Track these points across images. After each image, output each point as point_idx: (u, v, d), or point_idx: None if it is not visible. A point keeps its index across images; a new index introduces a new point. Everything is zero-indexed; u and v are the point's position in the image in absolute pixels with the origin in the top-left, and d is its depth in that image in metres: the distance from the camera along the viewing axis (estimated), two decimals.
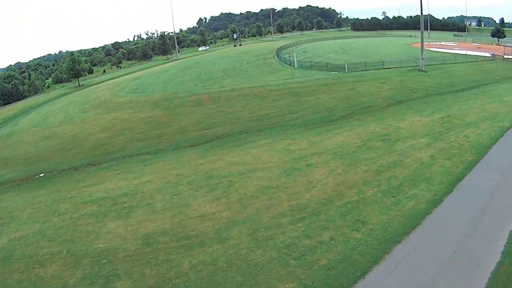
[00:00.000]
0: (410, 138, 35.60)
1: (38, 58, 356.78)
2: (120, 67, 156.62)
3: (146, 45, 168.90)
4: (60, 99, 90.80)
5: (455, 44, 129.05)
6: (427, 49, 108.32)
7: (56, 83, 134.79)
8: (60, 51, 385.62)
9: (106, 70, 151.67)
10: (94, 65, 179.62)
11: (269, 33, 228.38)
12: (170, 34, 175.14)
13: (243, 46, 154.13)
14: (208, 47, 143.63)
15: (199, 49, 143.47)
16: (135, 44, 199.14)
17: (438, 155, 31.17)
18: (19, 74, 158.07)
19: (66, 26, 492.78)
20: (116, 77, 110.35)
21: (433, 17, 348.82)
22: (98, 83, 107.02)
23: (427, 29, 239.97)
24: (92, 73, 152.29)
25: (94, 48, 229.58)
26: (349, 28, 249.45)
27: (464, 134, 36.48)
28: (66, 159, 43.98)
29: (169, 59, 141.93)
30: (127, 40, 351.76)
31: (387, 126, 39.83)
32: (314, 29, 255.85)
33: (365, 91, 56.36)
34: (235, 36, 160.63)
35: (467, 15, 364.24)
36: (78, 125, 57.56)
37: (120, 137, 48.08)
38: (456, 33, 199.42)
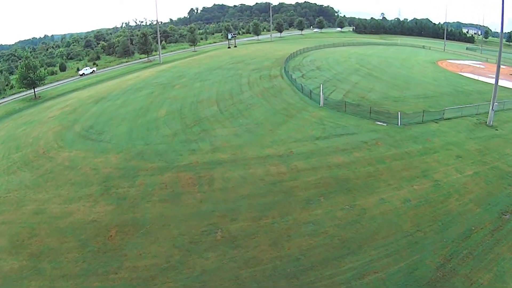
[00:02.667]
0: None
1: (18, 42, 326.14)
2: (96, 65, 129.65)
3: (128, 39, 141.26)
4: None
5: (483, 66, 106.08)
6: (460, 73, 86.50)
7: None
8: (45, 35, 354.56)
9: (80, 68, 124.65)
10: (71, 58, 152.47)
11: (265, 29, 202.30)
12: (160, 23, 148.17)
13: (239, 48, 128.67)
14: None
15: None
16: (117, 37, 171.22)
17: None
18: None
19: (56, 7, 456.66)
20: (80, 88, 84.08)
21: (430, 21, 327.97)
22: (60, 95, 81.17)
23: (431, 37, 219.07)
24: (65, 70, 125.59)
25: (73, 37, 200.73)
26: (351, 29, 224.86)
27: None
28: None
29: (150, 61, 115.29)
30: (114, 27, 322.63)
31: None
32: (312, 27, 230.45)
33: (445, 181, 33.30)
34: (229, 36, 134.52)
35: (462, 22, 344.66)
36: None
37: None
38: (468, 46, 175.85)
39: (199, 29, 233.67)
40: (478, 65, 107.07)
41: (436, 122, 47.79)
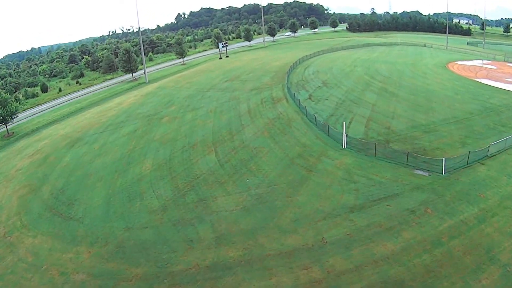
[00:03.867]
0: None
1: (6, 56, 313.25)
2: (80, 83, 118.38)
3: (112, 54, 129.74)
4: None
5: (495, 67, 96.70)
6: (476, 80, 77.41)
7: None
8: (32, 48, 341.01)
9: (62, 89, 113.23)
10: (55, 76, 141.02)
11: (255, 33, 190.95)
12: (146, 31, 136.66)
13: (231, 59, 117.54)
14: None
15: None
16: (102, 50, 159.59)
17: None
18: None
19: (43, 18, 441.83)
20: (58, 119, 72.75)
21: (421, 13, 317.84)
22: (35, 130, 70.24)
23: (426, 31, 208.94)
24: (46, 91, 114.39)
25: (60, 48, 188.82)
26: (345, 28, 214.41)
27: None
28: None
29: (135, 79, 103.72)
30: (101, 36, 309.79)
31: None
32: (302, 27, 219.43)
33: None
34: (221, 46, 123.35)
35: (450, 12, 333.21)
36: None
37: None
38: (468, 40, 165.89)
39: (187, 35, 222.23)
40: (489, 66, 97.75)
41: (482, 163, 37.67)
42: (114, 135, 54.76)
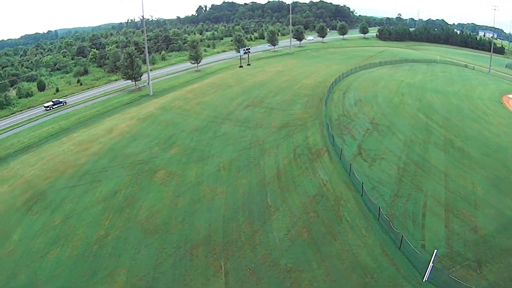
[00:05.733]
0: None
1: (23, 36, 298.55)
2: (81, 83, 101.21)
3: (121, 51, 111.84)
4: None
5: None
6: None
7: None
8: (49, 31, 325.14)
9: (60, 89, 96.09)
10: (58, 69, 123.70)
11: (279, 33, 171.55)
12: (166, 22, 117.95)
13: (253, 69, 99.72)
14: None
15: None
16: (112, 43, 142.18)
17: None
18: None
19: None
20: (32, 146, 55.09)
21: (446, 23, 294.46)
22: (3, 158, 52.99)
23: (458, 45, 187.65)
24: (43, 90, 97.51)
25: (67, 41, 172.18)
26: (375, 35, 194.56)
27: None
28: None
29: (139, 89, 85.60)
30: (119, 24, 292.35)
31: None
32: (329, 29, 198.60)
33: None
34: (242, 52, 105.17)
35: (475, 23, 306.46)
36: None
37: None
38: (507, 62, 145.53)
39: (206, 30, 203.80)
40: None
41: None
42: (87, 198, 37.75)
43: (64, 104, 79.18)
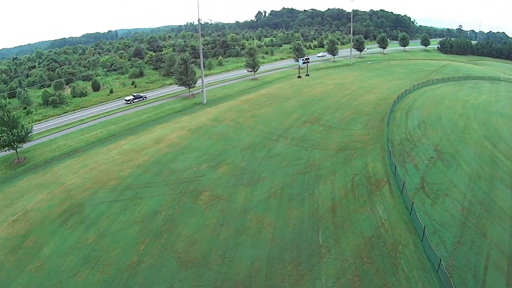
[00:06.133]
0: None
1: (84, 35, 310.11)
2: (135, 85, 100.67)
3: (177, 55, 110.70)
4: None
5: None
6: None
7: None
8: (109, 31, 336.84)
9: (114, 90, 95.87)
10: (114, 70, 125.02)
11: (339, 42, 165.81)
12: (224, 26, 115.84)
13: (312, 81, 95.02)
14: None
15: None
16: (169, 46, 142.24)
17: None
18: None
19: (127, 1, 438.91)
20: (79, 150, 53.54)
21: (507, 35, 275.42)
22: (49, 161, 52.37)
23: None
24: (98, 90, 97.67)
25: (125, 42, 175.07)
26: (436, 48, 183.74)
27: None
28: None
29: (193, 96, 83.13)
30: (179, 26, 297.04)
31: None
32: (389, 39, 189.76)
33: None
34: (301, 62, 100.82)
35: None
36: None
37: None
38: None
39: (265, 36, 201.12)
40: None
41: None
42: (125, 216, 34.75)
43: (144, 99, 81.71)
